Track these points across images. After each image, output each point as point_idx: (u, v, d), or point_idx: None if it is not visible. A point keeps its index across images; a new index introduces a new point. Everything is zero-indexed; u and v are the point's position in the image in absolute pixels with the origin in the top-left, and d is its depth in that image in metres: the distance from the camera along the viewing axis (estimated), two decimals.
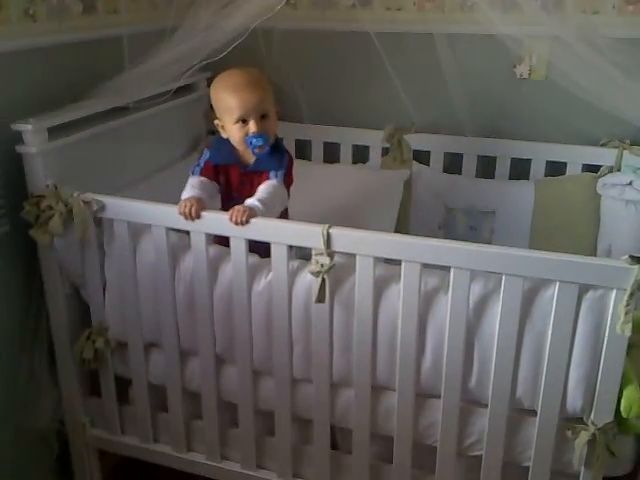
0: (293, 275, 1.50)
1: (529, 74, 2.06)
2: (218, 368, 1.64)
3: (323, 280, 1.42)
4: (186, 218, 1.50)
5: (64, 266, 1.68)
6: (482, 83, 2.07)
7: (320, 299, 1.44)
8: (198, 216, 1.50)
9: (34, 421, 1.77)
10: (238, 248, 1.51)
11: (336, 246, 1.41)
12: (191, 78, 2.01)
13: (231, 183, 1.66)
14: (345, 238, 1.41)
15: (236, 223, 1.46)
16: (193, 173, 1.64)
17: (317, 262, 1.42)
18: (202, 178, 1.62)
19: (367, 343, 1.47)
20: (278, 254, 1.48)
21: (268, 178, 1.60)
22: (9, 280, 1.69)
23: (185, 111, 2.19)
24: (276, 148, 1.64)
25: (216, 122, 1.64)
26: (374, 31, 1.97)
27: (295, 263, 1.52)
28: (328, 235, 1.40)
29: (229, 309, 1.57)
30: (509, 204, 2.05)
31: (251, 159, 1.63)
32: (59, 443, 1.85)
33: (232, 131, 1.60)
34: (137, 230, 1.61)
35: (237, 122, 1.57)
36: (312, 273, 1.43)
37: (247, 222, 1.45)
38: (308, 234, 1.43)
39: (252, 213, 1.46)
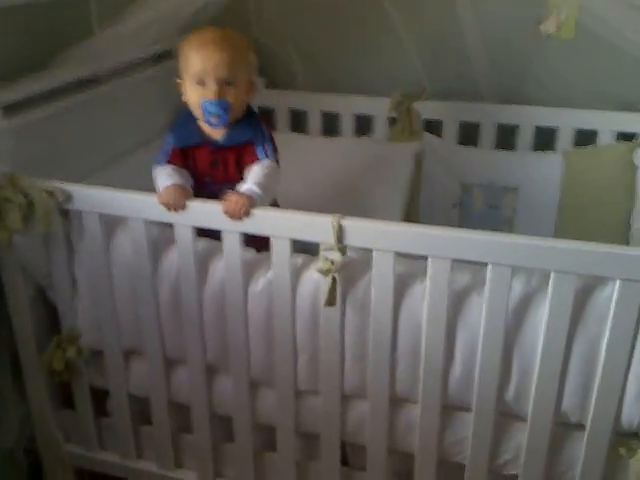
0: (297, 273, 1.28)
1: (556, 31, 1.82)
2: (210, 378, 1.43)
3: (334, 280, 1.21)
4: (169, 209, 1.27)
5: (27, 266, 1.44)
6: (503, 42, 1.84)
7: (330, 302, 1.22)
8: (183, 206, 1.26)
9: None
10: (232, 242, 1.27)
11: (349, 240, 1.18)
12: (171, 42, 1.74)
13: (201, 166, 1.41)
14: (360, 230, 1.18)
15: (233, 216, 1.22)
16: (159, 163, 1.39)
17: (326, 259, 1.20)
18: (173, 166, 1.38)
19: (385, 350, 1.25)
20: (279, 249, 1.25)
21: (253, 157, 1.36)
22: None
23: (164, 80, 1.88)
24: (249, 118, 1.40)
25: (178, 81, 1.39)
26: None
27: (299, 259, 1.30)
28: (339, 227, 1.17)
29: (222, 312, 1.34)
30: (533, 179, 1.82)
31: (219, 134, 1.39)
32: (29, 461, 1.64)
33: (189, 93, 1.36)
34: (111, 223, 1.37)
35: (195, 82, 1.33)
36: (320, 271, 1.21)
37: (247, 215, 1.22)
38: (315, 226, 1.20)
39: (251, 202, 1.23)
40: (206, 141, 1.39)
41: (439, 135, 1.94)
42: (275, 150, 1.39)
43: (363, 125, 2.02)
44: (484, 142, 1.92)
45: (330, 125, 2.05)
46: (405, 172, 1.89)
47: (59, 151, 1.52)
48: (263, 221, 1.24)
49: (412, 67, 1.91)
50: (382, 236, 1.18)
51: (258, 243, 1.31)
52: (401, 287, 1.23)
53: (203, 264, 1.34)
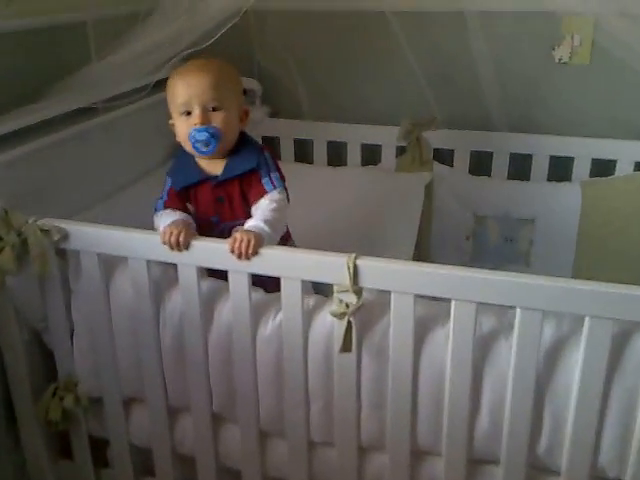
0: (309, 316, 1.20)
1: (570, 57, 1.76)
2: (216, 428, 1.34)
3: (349, 324, 1.12)
4: (172, 248, 1.19)
5: (21, 308, 1.35)
6: (515, 69, 1.78)
7: (346, 348, 1.13)
8: (187, 245, 1.19)
9: None
10: (239, 283, 1.19)
11: (365, 281, 1.10)
12: (171, 70, 1.67)
13: (204, 206, 1.32)
14: (377, 271, 1.10)
15: (239, 256, 1.14)
16: (157, 209, 1.31)
17: (340, 301, 1.12)
18: (172, 208, 1.30)
19: (405, 399, 1.17)
20: (290, 290, 1.17)
21: (260, 189, 1.27)
22: None
23: (164, 109, 1.85)
24: (248, 146, 1.32)
25: (170, 122, 1.32)
26: (391, 10, 1.65)
27: (311, 300, 1.22)
28: (355, 268, 1.10)
29: (228, 357, 1.26)
30: (551, 210, 1.75)
31: (218, 167, 1.30)
32: None
33: (178, 128, 1.28)
34: (110, 262, 1.29)
35: (182, 114, 1.26)
36: (334, 315, 1.13)
37: (255, 254, 1.14)
38: (328, 266, 1.12)
39: (259, 241, 1.15)
40: (206, 178, 1.31)
41: (450, 165, 1.88)
42: (282, 179, 1.31)
43: (371, 155, 1.95)
44: (497, 172, 1.85)
45: (336, 155, 1.99)
46: (416, 203, 1.82)
47: (54, 184, 1.45)
48: (272, 261, 1.16)
49: (422, 95, 1.84)
50: (401, 277, 1.10)
51: (267, 282, 1.23)
52: (422, 331, 1.15)
53: (208, 306, 1.26)
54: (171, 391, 1.33)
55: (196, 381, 1.29)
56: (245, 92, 2.02)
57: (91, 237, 1.25)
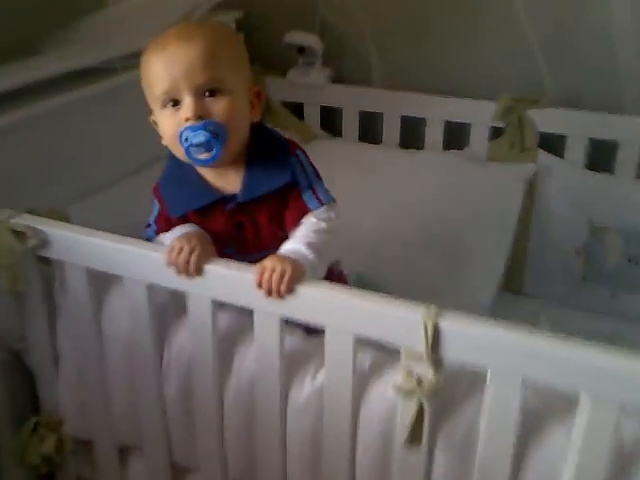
0: (363, 382, 0.85)
1: None
2: None
3: (420, 407, 0.76)
4: (180, 273, 0.85)
5: None
6: None
7: (414, 439, 0.78)
8: (200, 270, 0.85)
9: None
10: (267, 328, 0.85)
11: (449, 349, 0.74)
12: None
13: (217, 235, 0.92)
14: (469, 338, 0.73)
15: (269, 292, 0.80)
16: (148, 239, 0.96)
17: (409, 373, 0.77)
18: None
19: None
20: (338, 346, 0.82)
21: (300, 208, 0.90)
22: None
23: None
24: (274, 147, 0.92)
25: (151, 118, 0.92)
26: None
27: (367, 359, 0.86)
28: (435, 329, 0.73)
29: (249, 419, 0.93)
30: None
31: (233, 181, 0.91)
32: None
33: (163, 127, 0.89)
34: (103, 279, 0.97)
35: (165, 105, 0.87)
36: (400, 390, 0.77)
37: (290, 291, 0.79)
38: (395, 322, 0.76)
39: (297, 273, 0.81)
40: (217, 198, 0.91)
41: (561, 156, 1.44)
42: (326, 190, 0.92)
43: (455, 136, 1.54)
44: (623, 169, 1.40)
45: (411, 134, 1.59)
46: (513, 203, 1.41)
47: (42, 164, 1.14)
48: (314, 304, 0.81)
49: (530, 63, 1.40)
50: (508, 351, 0.73)
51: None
52: (532, 425, 0.78)
53: (227, 350, 0.93)
54: (176, 445, 1.02)
55: (206, 442, 0.97)
56: (302, 50, 1.65)
57: (77, 246, 0.93)
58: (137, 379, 0.98)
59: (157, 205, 0.95)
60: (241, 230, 0.92)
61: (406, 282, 1.30)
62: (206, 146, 0.83)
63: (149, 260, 0.89)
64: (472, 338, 0.74)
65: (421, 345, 0.75)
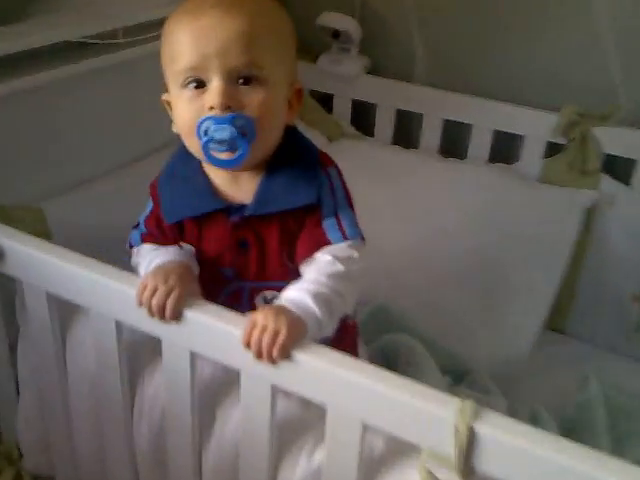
0: (374, 469, 0.68)
1: None
2: None
3: None
4: (153, 316, 0.69)
5: None
6: None
7: None
8: (177, 315, 0.68)
9: None
10: (256, 395, 0.68)
11: (483, 460, 0.56)
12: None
13: (214, 250, 0.77)
14: (509, 449, 0.56)
15: (259, 355, 0.63)
16: (131, 245, 0.80)
17: (429, 475, 0.60)
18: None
19: None
20: (342, 431, 0.65)
21: (318, 236, 0.72)
22: None
23: None
24: (300, 157, 0.75)
25: (164, 97, 0.76)
26: None
27: (379, 441, 0.69)
28: (470, 434, 0.56)
29: None
30: None
31: (245, 190, 0.75)
32: None
33: (178, 110, 0.72)
34: (67, 307, 0.81)
35: (186, 85, 0.70)
36: None
37: (284, 355, 0.62)
38: (414, 415, 0.59)
39: (294, 334, 0.64)
40: (222, 206, 0.75)
41: (626, 183, 1.24)
42: (356, 223, 0.75)
43: (505, 148, 1.34)
44: None
45: (453, 141, 1.39)
46: (567, 234, 1.21)
47: (18, 151, 0.98)
48: (313, 376, 0.64)
49: (603, 72, 1.20)
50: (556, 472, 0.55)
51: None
52: None
53: (209, 406, 0.76)
54: None
55: None
56: (337, 34, 1.46)
57: (35, 265, 0.77)
58: (104, 425, 0.83)
59: (151, 204, 0.80)
60: (244, 249, 0.75)
61: (432, 317, 1.13)
62: (230, 144, 0.67)
63: (118, 293, 0.72)
64: (518, 451, 0.56)
65: (449, 448, 0.57)
